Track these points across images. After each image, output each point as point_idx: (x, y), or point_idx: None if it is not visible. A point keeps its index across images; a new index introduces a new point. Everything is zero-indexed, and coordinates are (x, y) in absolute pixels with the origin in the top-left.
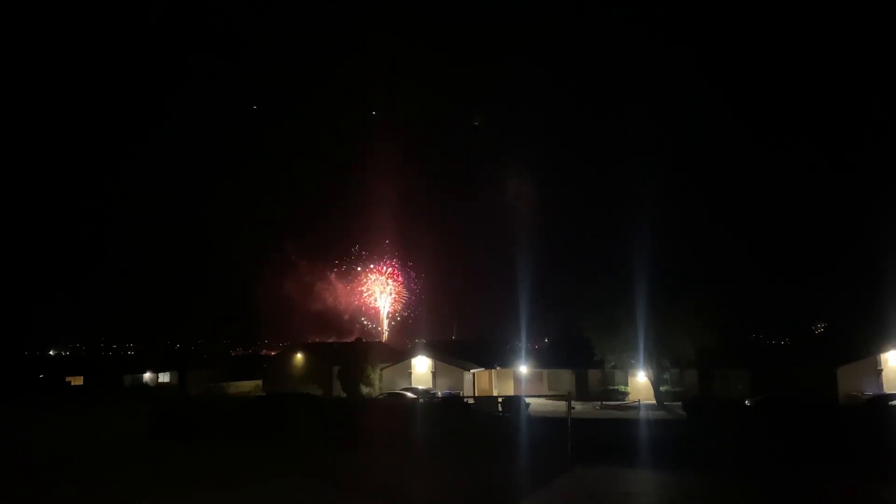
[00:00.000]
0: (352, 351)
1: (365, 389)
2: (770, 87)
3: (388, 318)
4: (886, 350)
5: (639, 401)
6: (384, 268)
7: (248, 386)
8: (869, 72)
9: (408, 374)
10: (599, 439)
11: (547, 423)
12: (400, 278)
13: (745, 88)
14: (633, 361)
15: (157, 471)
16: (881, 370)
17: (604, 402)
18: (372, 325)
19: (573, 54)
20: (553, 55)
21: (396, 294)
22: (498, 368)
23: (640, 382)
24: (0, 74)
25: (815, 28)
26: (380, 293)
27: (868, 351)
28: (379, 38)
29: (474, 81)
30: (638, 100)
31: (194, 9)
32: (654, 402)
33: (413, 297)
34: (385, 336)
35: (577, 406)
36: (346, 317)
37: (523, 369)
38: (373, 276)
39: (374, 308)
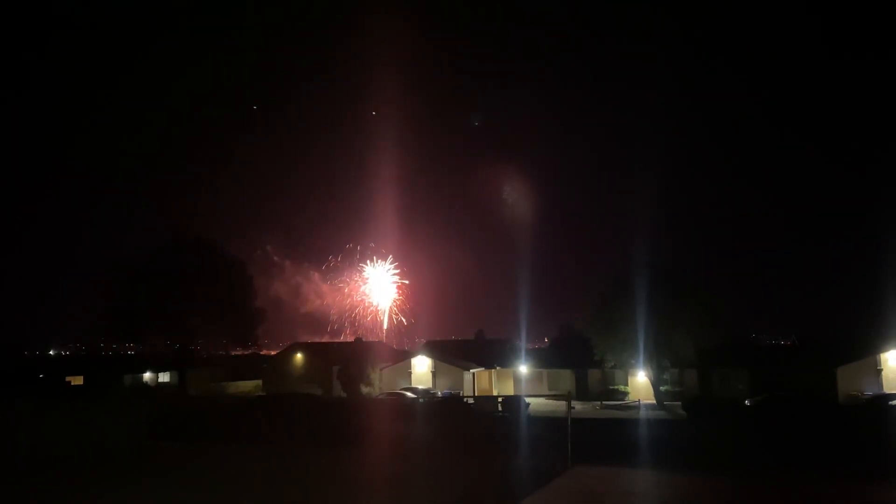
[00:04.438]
0: (352, 351)
1: (365, 389)
2: (773, 87)
3: (387, 317)
4: (886, 350)
5: (639, 401)
6: (384, 267)
7: (248, 386)
8: (866, 81)
9: (408, 373)
10: (599, 439)
11: (547, 423)
12: (400, 278)
13: (748, 89)
14: (633, 361)
15: (156, 471)
16: (881, 370)
17: (604, 402)
18: (372, 324)
19: (574, 54)
20: (554, 55)
21: (397, 294)
22: (498, 368)
23: (640, 382)
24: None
25: (815, 34)
26: (380, 293)
27: (868, 351)
28: (376, 37)
29: (474, 82)
30: (638, 99)
31: (192, 5)
32: (654, 401)
33: (413, 297)
34: (385, 331)
35: (577, 406)
36: (348, 316)
37: (523, 369)
38: (373, 276)
39: (375, 308)
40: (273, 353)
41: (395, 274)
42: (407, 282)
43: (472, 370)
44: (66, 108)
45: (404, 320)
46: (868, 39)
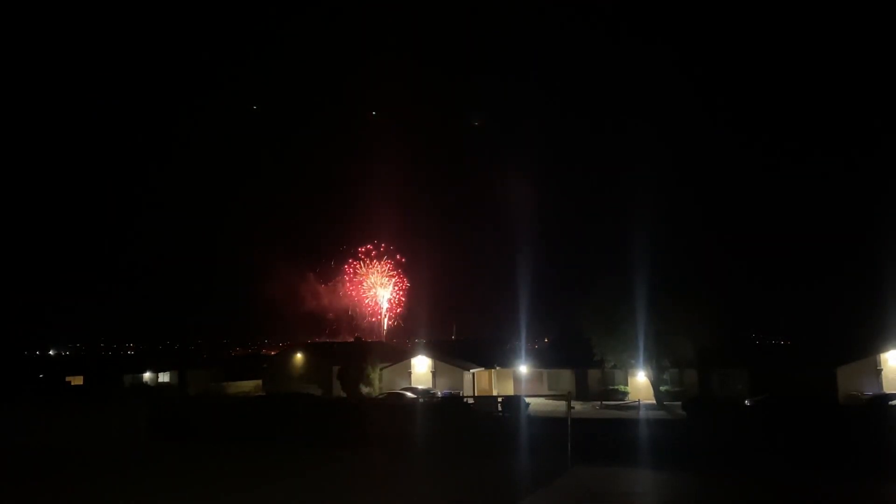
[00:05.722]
0: (352, 351)
1: (365, 389)
2: (768, 92)
3: (387, 316)
4: (886, 350)
5: (639, 401)
6: (384, 267)
7: (248, 386)
8: (867, 76)
9: (408, 374)
10: (599, 439)
11: (547, 423)
12: (400, 277)
13: (744, 94)
14: (632, 361)
15: (157, 471)
16: (881, 370)
17: (604, 402)
18: (372, 323)
19: (575, 59)
20: (555, 60)
21: (397, 293)
22: (498, 368)
23: (639, 382)
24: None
25: (810, 35)
26: (381, 292)
27: (868, 351)
28: (379, 43)
29: (475, 83)
30: (639, 104)
31: (195, 11)
32: (654, 402)
33: (413, 296)
34: (385, 331)
35: (577, 406)
36: (346, 317)
37: (523, 369)
38: (373, 276)
39: (375, 307)
40: (273, 353)
41: (393, 274)
42: (407, 282)
43: (472, 370)
44: (64, 107)
45: (402, 323)
46: (866, 37)
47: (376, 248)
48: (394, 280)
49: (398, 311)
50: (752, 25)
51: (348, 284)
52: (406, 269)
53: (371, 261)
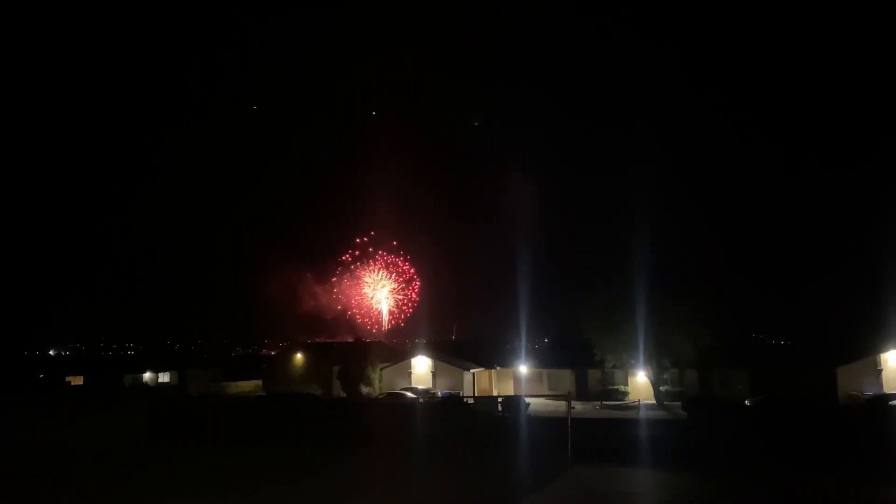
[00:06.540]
0: (351, 351)
1: (365, 389)
2: (768, 92)
3: (386, 317)
4: (886, 350)
5: (639, 401)
6: (384, 267)
7: (248, 386)
8: (867, 76)
9: (408, 374)
10: (599, 439)
11: (547, 423)
12: (400, 277)
13: (743, 97)
14: (632, 361)
15: (157, 471)
16: (881, 370)
17: (604, 402)
18: (371, 323)
19: (577, 59)
20: (557, 60)
21: (397, 292)
22: (498, 368)
23: (639, 382)
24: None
25: (810, 39)
26: (380, 291)
27: (868, 351)
28: (380, 43)
29: (477, 84)
30: (640, 104)
31: (198, 11)
32: (654, 402)
33: (413, 295)
34: (385, 331)
35: (577, 406)
36: (346, 317)
37: (523, 369)
38: (373, 276)
39: (375, 307)
40: (273, 353)
41: (392, 273)
42: (405, 282)
43: (472, 370)
44: (65, 107)
45: (402, 323)
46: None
47: (375, 248)
48: (393, 275)
49: (398, 308)
50: (754, 26)
51: (349, 285)
52: (406, 269)
53: (370, 261)
